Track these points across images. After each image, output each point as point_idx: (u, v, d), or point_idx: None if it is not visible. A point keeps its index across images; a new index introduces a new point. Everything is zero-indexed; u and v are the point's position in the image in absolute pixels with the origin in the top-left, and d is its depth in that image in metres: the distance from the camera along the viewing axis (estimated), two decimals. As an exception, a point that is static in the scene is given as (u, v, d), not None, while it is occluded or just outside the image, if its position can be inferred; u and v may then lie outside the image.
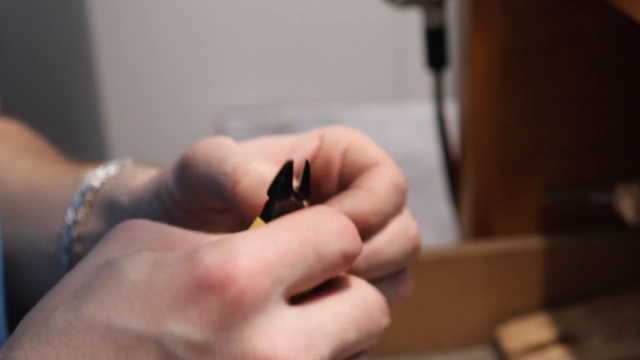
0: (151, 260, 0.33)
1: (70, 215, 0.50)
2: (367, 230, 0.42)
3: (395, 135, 1.62)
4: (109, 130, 1.67)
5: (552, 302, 0.81)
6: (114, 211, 0.48)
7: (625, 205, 0.73)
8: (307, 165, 0.38)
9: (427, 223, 1.40)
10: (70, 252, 0.50)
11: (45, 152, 0.59)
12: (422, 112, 1.53)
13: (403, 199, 0.44)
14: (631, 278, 0.81)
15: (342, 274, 0.36)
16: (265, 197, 0.37)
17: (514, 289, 0.80)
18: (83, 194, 0.50)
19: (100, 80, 1.63)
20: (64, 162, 0.57)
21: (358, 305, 0.35)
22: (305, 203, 0.38)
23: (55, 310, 0.33)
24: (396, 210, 0.44)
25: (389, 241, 0.43)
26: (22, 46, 1.16)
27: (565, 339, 0.77)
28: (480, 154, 0.80)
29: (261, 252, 0.33)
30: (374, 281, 0.43)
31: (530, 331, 0.78)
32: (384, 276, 0.43)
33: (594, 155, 0.80)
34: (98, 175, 0.50)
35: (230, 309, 0.32)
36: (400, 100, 1.73)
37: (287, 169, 0.37)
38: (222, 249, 0.32)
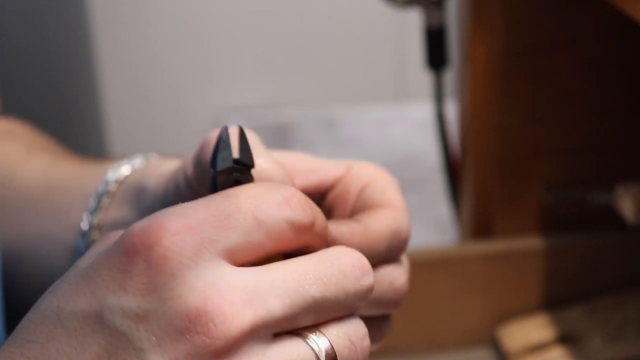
0: (101, 249, 0.34)
1: (92, 203, 0.50)
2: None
3: (395, 135, 1.61)
4: (109, 130, 1.67)
5: (552, 302, 0.81)
6: (143, 196, 0.48)
7: (625, 205, 0.73)
8: (242, 131, 0.37)
9: (427, 223, 1.40)
10: (87, 240, 0.50)
11: (58, 150, 0.59)
12: (422, 112, 1.53)
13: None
14: (631, 278, 0.81)
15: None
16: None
17: (514, 289, 0.80)
18: (107, 184, 0.50)
19: (101, 80, 1.63)
20: (81, 158, 0.57)
21: (324, 261, 0.34)
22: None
23: (31, 311, 0.34)
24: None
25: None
26: (22, 46, 1.16)
27: (565, 339, 0.77)
28: (480, 154, 0.80)
29: (187, 214, 0.33)
30: None
31: (530, 331, 0.78)
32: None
33: (594, 155, 0.80)
34: (123, 168, 0.51)
35: (157, 268, 0.32)
36: (400, 100, 1.73)
37: (223, 137, 0.36)
38: (149, 217, 0.33)
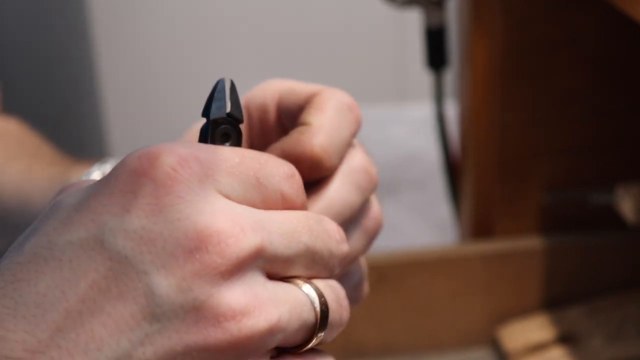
0: (86, 185, 0.33)
1: None
2: (319, 166, 0.39)
3: (395, 135, 1.61)
4: (109, 130, 1.67)
5: (552, 302, 0.81)
6: None
7: (625, 205, 0.73)
8: (233, 85, 0.37)
9: (427, 223, 1.40)
10: None
11: (40, 152, 0.59)
12: (422, 112, 1.53)
13: (355, 117, 0.41)
14: (631, 278, 0.81)
15: None
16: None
17: (514, 289, 0.80)
18: None
19: (101, 81, 1.63)
20: (58, 162, 0.56)
21: (313, 218, 0.34)
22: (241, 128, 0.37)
23: (4, 259, 0.32)
24: (352, 131, 0.41)
25: (348, 188, 0.40)
26: (21, 46, 1.16)
27: (565, 339, 0.77)
28: (480, 154, 0.80)
29: (198, 149, 0.32)
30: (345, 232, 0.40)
31: (530, 331, 0.78)
32: (351, 221, 0.41)
33: (594, 156, 0.80)
34: (93, 175, 0.50)
35: (163, 188, 0.31)
36: (401, 100, 1.73)
37: (218, 88, 0.36)
38: (157, 144, 0.32)
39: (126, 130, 1.71)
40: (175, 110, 1.73)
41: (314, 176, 0.39)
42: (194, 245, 0.30)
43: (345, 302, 0.35)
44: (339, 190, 0.40)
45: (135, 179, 0.31)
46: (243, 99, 0.45)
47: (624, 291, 0.80)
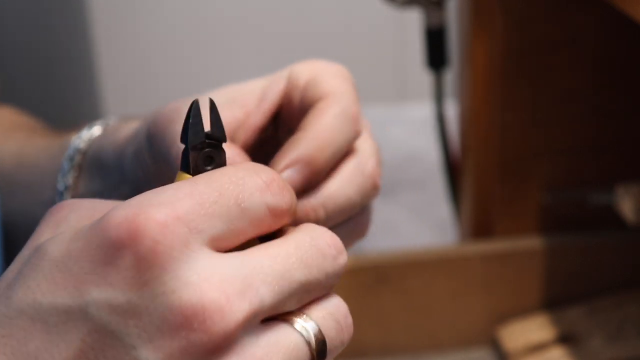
0: (71, 234, 0.32)
1: (61, 181, 0.49)
2: (316, 172, 0.40)
3: (395, 135, 1.61)
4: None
5: (552, 302, 0.81)
6: (104, 169, 0.48)
7: (625, 205, 0.73)
8: (212, 104, 0.35)
9: (427, 223, 1.40)
10: None
11: (36, 127, 0.59)
12: (422, 112, 1.53)
13: (354, 126, 0.42)
14: (631, 278, 0.81)
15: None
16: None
17: (514, 289, 0.80)
18: (71, 158, 0.49)
19: (100, 80, 1.63)
20: (56, 133, 0.56)
21: (303, 243, 0.33)
22: (225, 148, 0.36)
23: None
24: (348, 141, 0.41)
25: (345, 183, 0.41)
26: (21, 46, 1.16)
27: (565, 339, 0.77)
28: (480, 154, 0.80)
29: (174, 202, 0.31)
30: (336, 226, 0.41)
31: (530, 331, 0.78)
32: (345, 219, 0.42)
33: (594, 155, 0.80)
34: (83, 137, 0.50)
35: (146, 262, 0.30)
36: (401, 100, 1.73)
37: (193, 111, 0.34)
38: (131, 204, 0.31)
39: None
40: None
41: (308, 182, 0.39)
42: (180, 322, 0.30)
43: (346, 321, 0.34)
44: (341, 189, 0.41)
45: (116, 251, 0.30)
46: (284, 75, 0.44)
47: (624, 291, 0.80)
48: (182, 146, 0.35)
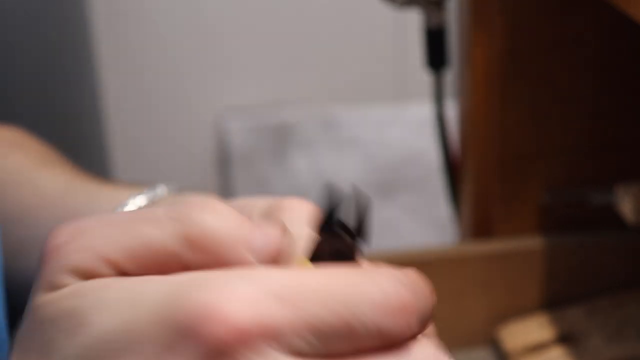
0: (125, 297, 0.27)
1: None
2: None
3: (395, 135, 1.61)
4: (109, 130, 1.67)
5: (552, 302, 0.81)
6: None
7: (626, 205, 0.73)
8: (365, 200, 0.29)
9: (426, 223, 1.40)
10: None
11: (69, 165, 0.57)
12: (422, 112, 1.53)
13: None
14: (631, 278, 0.81)
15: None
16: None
17: (514, 289, 0.80)
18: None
19: (101, 80, 1.63)
20: (93, 178, 0.54)
21: None
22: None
23: None
24: None
25: None
26: (20, 46, 1.16)
27: (565, 339, 0.77)
28: (480, 154, 0.80)
29: (267, 308, 0.26)
30: None
31: (530, 331, 0.78)
32: None
33: (594, 155, 0.80)
34: (140, 198, 0.47)
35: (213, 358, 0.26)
36: (400, 100, 1.73)
37: (332, 194, 0.28)
38: (211, 286, 0.26)
39: (126, 129, 1.71)
40: (175, 111, 1.73)
41: None
42: None
43: None
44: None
45: (181, 339, 0.26)
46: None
47: (624, 291, 0.80)
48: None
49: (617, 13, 0.60)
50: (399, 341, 0.28)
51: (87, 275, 0.28)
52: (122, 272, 0.29)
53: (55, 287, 0.28)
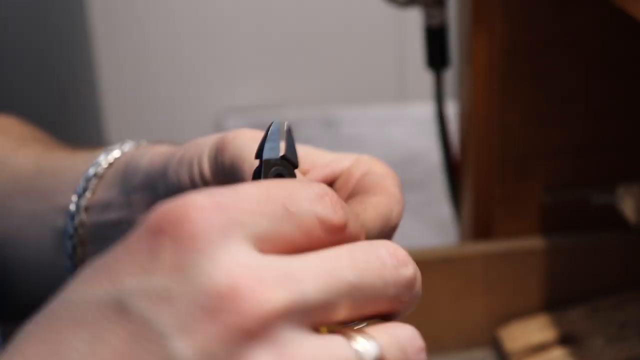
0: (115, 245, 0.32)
1: (81, 184, 0.49)
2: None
3: (396, 135, 1.61)
4: (109, 130, 1.67)
5: (553, 303, 0.81)
6: (133, 175, 0.47)
7: (627, 205, 0.73)
8: (289, 130, 0.36)
9: (427, 223, 1.40)
10: (74, 220, 0.49)
11: (50, 141, 0.59)
12: (423, 112, 1.53)
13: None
14: (633, 278, 0.81)
15: None
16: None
17: (514, 289, 0.80)
18: (97, 166, 0.50)
19: (100, 80, 1.63)
20: (73, 147, 0.56)
21: (359, 248, 0.32)
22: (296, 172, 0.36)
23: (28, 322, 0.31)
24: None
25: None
26: (20, 46, 1.16)
27: (566, 339, 0.77)
28: (480, 154, 0.80)
29: (214, 194, 0.31)
30: None
31: (531, 332, 0.78)
32: None
33: (595, 155, 0.80)
34: (115, 152, 0.50)
35: (184, 246, 0.29)
36: (401, 100, 1.73)
37: (272, 131, 0.35)
38: (177, 198, 0.31)
39: (126, 130, 1.71)
40: (175, 111, 1.73)
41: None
42: (214, 305, 0.29)
43: (415, 347, 0.33)
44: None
45: (155, 238, 0.30)
46: (353, 157, 0.46)
47: (625, 291, 0.80)
48: (255, 163, 0.35)
49: (617, 13, 0.60)
50: (340, 230, 0.32)
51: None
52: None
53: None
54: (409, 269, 0.34)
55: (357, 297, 0.31)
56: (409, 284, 0.34)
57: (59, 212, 0.50)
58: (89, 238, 0.49)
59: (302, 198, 0.32)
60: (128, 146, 0.51)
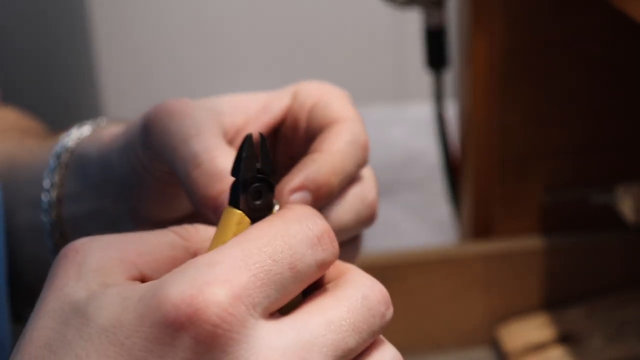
0: (117, 299, 0.31)
1: (47, 178, 0.49)
2: (327, 196, 0.40)
3: (395, 135, 1.61)
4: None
5: (552, 302, 0.81)
6: (87, 168, 0.47)
7: (626, 205, 0.73)
8: (263, 139, 0.36)
9: (427, 223, 1.40)
10: (51, 215, 0.49)
11: (32, 129, 0.58)
12: (422, 112, 1.53)
13: (364, 155, 0.42)
14: (631, 278, 0.81)
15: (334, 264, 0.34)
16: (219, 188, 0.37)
17: (514, 289, 0.80)
18: (58, 156, 0.49)
19: (100, 81, 1.63)
20: (49, 134, 0.55)
21: (357, 306, 0.33)
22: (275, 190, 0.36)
23: None
24: (358, 166, 0.42)
25: (346, 209, 0.42)
26: (21, 46, 1.16)
27: (565, 339, 0.77)
28: (480, 154, 0.80)
29: (232, 278, 0.30)
30: None
31: (530, 331, 0.78)
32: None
33: (594, 155, 0.80)
34: (72, 136, 0.49)
35: (206, 345, 0.29)
36: (400, 100, 1.73)
37: (247, 146, 0.35)
38: (188, 280, 0.30)
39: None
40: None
41: (318, 205, 0.40)
42: None
43: None
44: (342, 215, 0.41)
45: (174, 332, 0.30)
46: (289, 92, 0.45)
47: (624, 291, 0.80)
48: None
49: (617, 13, 0.60)
50: (332, 263, 0.33)
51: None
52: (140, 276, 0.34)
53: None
54: (390, 310, 0.34)
55: (352, 355, 0.33)
56: (388, 324, 0.34)
57: (33, 207, 0.50)
58: (69, 230, 0.49)
59: (305, 250, 0.32)
60: (87, 128, 0.50)
